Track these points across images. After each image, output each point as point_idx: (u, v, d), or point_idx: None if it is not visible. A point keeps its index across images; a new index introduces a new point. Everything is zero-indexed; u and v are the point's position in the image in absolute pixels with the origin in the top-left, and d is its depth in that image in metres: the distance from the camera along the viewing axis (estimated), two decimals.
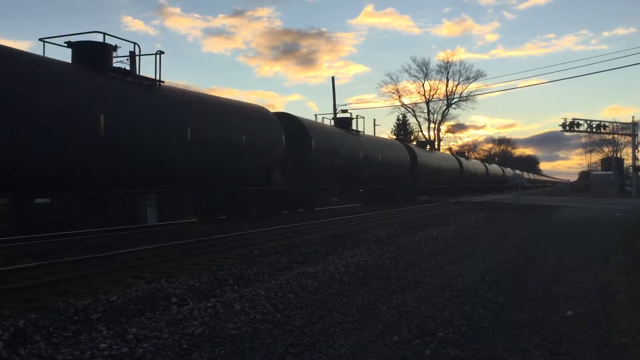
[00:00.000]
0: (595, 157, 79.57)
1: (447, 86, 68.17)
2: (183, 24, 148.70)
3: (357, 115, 27.23)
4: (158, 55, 13.39)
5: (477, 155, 79.39)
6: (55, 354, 4.25)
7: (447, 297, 6.43)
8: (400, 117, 67.61)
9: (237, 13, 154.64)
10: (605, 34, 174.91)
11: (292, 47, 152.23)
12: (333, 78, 52.46)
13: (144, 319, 5.24)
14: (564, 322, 5.36)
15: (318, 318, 5.42)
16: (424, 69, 67.94)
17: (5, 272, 7.57)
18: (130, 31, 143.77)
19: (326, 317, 5.45)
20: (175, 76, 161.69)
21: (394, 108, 66.80)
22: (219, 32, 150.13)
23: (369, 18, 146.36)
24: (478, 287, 7.00)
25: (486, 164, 60.06)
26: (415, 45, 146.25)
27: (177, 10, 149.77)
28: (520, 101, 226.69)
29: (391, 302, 6.18)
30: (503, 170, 66.29)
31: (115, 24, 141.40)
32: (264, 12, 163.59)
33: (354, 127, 26.65)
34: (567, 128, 43.91)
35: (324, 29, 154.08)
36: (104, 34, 12.37)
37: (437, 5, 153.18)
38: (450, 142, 72.62)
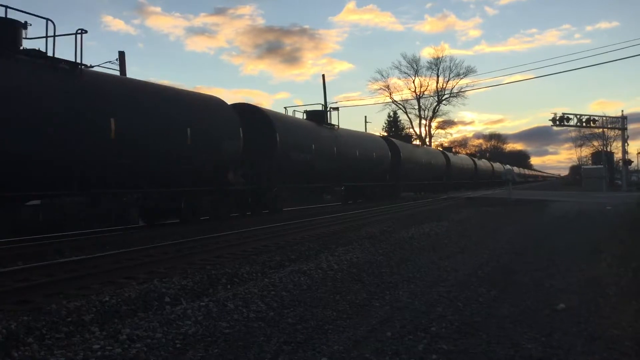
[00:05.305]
0: (585, 151, 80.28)
1: (437, 82, 68.49)
2: (164, 23, 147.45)
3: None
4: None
5: (467, 151, 79.96)
6: (49, 355, 4.23)
7: (440, 292, 6.46)
8: (392, 114, 67.90)
9: (219, 11, 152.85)
10: (589, 28, 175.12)
11: (275, 45, 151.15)
12: (323, 76, 52.50)
13: (137, 320, 5.23)
14: (556, 316, 5.40)
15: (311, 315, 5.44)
16: (415, 65, 68.32)
17: None
18: (111, 31, 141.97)
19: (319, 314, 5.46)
20: (160, 76, 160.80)
21: (385, 105, 67.13)
22: (201, 31, 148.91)
23: (351, 15, 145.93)
24: (470, 282, 7.04)
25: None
26: (399, 41, 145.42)
27: (158, 9, 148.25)
28: (507, 97, 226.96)
29: (384, 298, 6.20)
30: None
31: (95, 24, 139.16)
32: (245, 9, 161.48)
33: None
34: (557, 122, 44.01)
35: (306, 26, 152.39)
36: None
37: (418, 1, 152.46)
38: (440, 138, 72.99)
